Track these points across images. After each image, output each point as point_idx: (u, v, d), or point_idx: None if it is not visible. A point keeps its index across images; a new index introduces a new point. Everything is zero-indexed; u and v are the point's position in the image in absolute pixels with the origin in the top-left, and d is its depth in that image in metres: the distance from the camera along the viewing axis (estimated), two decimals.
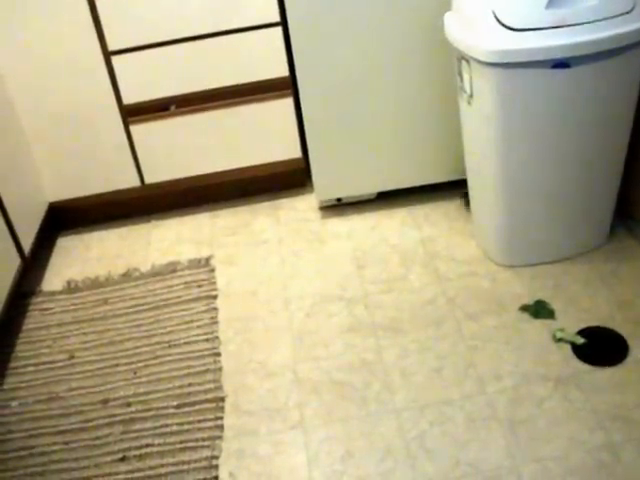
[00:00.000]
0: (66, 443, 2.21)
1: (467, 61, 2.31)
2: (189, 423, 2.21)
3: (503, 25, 2.17)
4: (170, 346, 2.48)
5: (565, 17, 2.15)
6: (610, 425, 2.02)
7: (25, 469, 2.15)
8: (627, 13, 2.17)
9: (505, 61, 2.18)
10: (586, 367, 2.21)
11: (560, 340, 2.30)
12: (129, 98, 2.89)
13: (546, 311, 2.41)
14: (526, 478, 1.92)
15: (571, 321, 2.36)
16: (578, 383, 2.16)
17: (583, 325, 2.34)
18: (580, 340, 2.28)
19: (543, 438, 2.01)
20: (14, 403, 2.38)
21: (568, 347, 2.27)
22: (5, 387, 2.44)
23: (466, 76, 2.36)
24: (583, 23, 2.15)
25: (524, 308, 2.43)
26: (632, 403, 2.08)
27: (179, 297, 2.69)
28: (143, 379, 2.38)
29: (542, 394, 2.14)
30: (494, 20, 2.18)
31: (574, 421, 2.05)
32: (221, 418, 2.21)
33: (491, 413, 2.10)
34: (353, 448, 2.07)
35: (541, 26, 2.15)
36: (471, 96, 2.38)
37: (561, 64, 2.18)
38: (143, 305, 2.68)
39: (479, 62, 2.24)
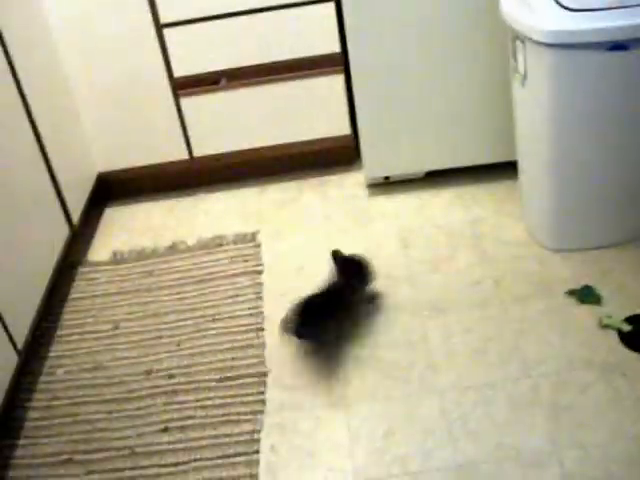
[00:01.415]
0: (109, 412, 2.23)
1: (522, 41, 2.28)
2: (231, 397, 2.22)
3: (560, 5, 2.15)
4: (214, 320, 2.50)
5: None
6: None
7: (69, 436, 2.18)
8: None
9: (561, 42, 2.15)
10: (632, 355, 2.18)
11: (607, 326, 2.27)
12: (180, 71, 2.89)
13: (593, 297, 2.38)
14: (567, 464, 1.90)
15: (618, 308, 2.33)
16: (623, 371, 2.13)
17: (630, 312, 2.30)
18: (627, 327, 2.25)
19: (586, 425, 1.99)
20: (60, 371, 2.41)
21: (614, 334, 2.25)
22: (51, 354, 2.47)
23: (520, 57, 2.33)
24: None
25: (571, 293, 2.41)
26: None
27: (224, 271, 2.70)
28: (186, 352, 2.39)
29: (587, 380, 2.12)
30: (551, 0, 2.15)
31: (618, 409, 2.03)
32: (263, 393, 2.22)
33: (534, 397, 2.09)
34: (395, 427, 2.06)
35: (599, 7, 2.12)
36: (525, 77, 2.35)
37: (618, 46, 2.14)
38: (188, 278, 2.69)
39: (535, 42, 2.21)
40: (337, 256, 2.46)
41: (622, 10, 2.11)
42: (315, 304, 2.30)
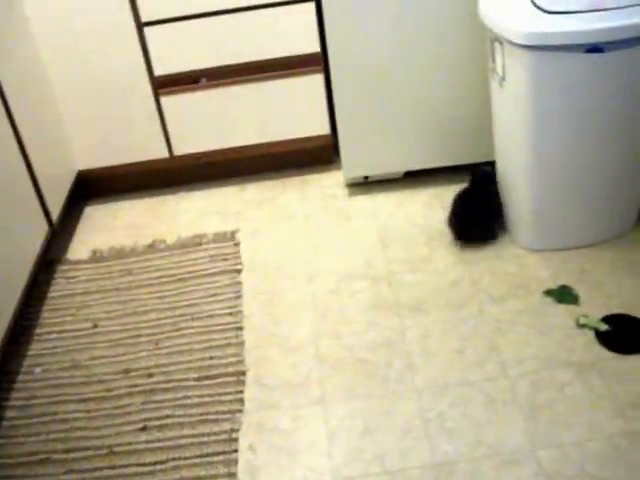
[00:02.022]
0: (88, 411, 2.23)
1: (500, 43, 2.29)
2: (210, 396, 2.22)
3: (538, 7, 2.16)
4: (193, 319, 2.50)
5: (600, 1, 2.13)
6: (631, 413, 2.01)
7: (47, 435, 2.18)
8: None
9: (539, 44, 2.17)
10: (609, 354, 2.20)
11: (583, 326, 2.29)
12: (160, 69, 2.89)
13: (570, 296, 2.40)
14: (544, 462, 1.92)
15: (595, 307, 2.35)
16: (600, 370, 2.15)
17: (607, 312, 2.32)
18: (604, 327, 2.27)
19: (563, 423, 2.01)
20: (38, 369, 2.40)
21: (591, 333, 2.26)
22: (29, 353, 2.46)
23: (499, 58, 2.35)
24: (618, 8, 2.13)
25: (548, 292, 2.42)
26: None
27: (204, 270, 2.70)
28: (165, 350, 2.39)
29: (563, 379, 2.13)
30: (529, 2, 2.17)
31: (594, 408, 2.04)
32: (242, 392, 2.22)
33: (512, 396, 2.10)
34: (373, 425, 2.07)
35: (576, 9, 2.14)
36: (503, 79, 2.36)
37: (595, 49, 2.16)
38: (167, 277, 2.69)
39: (512, 44, 2.22)
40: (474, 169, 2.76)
41: (598, 13, 2.13)
42: (472, 209, 2.67)
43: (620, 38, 2.14)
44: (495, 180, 2.70)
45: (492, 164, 2.72)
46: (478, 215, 2.67)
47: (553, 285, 2.45)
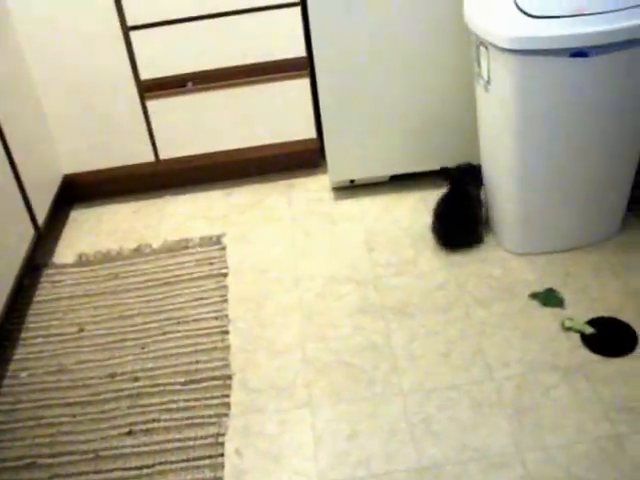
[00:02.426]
0: (74, 415, 2.22)
1: (485, 47, 2.30)
2: (196, 400, 2.22)
3: (523, 12, 2.17)
4: (179, 323, 2.49)
5: (584, 6, 2.14)
6: (616, 416, 2.02)
7: (33, 439, 2.17)
8: None
9: (524, 48, 2.18)
10: (594, 357, 2.21)
11: (569, 329, 2.30)
12: (146, 74, 2.89)
13: (555, 299, 2.41)
14: (530, 465, 1.92)
15: (580, 310, 2.36)
16: (586, 373, 2.16)
17: (592, 315, 2.34)
18: (589, 330, 2.28)
19: (549, 426, 2.02)
20: (23, 374, 2.39)
21: (577, 336, 2.27)
22: (15, 357, 2.46)
23: (484, 62, 2.36)
24: (603, 12, 2.14)
25: (534, 296, 2.43)
26: (639, 394, 2.08)
27: (190, 274, 2.70)
28: (151, 354, 2.39)
29: (549, 382, 2.14)
30: (514, 7, 2.18)
31: (580, 411, 2.05)
32: (228, 396, 2.22)
33: (498, 399, 2.11)
34: (359, 429, 2.08)
35: (560, 14, 2.15)
36: (488, 83, 2.37)
37: (579, 53, 2.17)
38: (153, 281, 2.69)
39: (498, 48, 2.23)
40: (450, 170, 2.72)
41: (583, 17, 2.14)
42: (454, 213, 2.67)
43: (605, 42, 2.15)
44: (474, 176, 2.70)
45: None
46: (461, 219, 2.68)
47: (538, 288, 2.45)
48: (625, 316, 2.32)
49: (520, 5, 2.17)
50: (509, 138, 2.39)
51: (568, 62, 2.19)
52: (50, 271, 2.81)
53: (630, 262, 2.53)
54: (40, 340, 2.51)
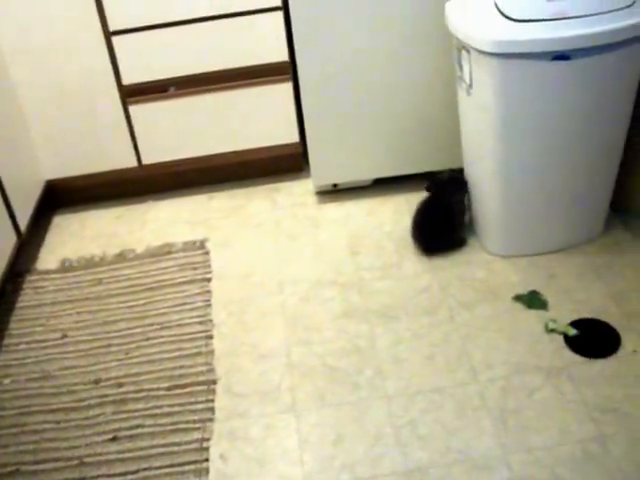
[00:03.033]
0: (57, 422, 2.21)
1: (467, 51, 2.31)
2: (180, 405, 2.21)
3: (504, 16, 2.18)
4: (163, 328, 2.49)
5: (566, 9, 2.15)
6: (600, 417, 2.03)
7: (16, 446, 2.16)
8: (628, 7, 2.18)
9: (505, 51, 2.18)
10: (578, 358, 2.22)
11: (552, 331, 2.31)
12: (129, 79, 2.88)
13: (539, 301, 2.42)
14: (515, 467, 1.93)
15: (564, 312, 2.37)
16: (569, 374, 2.16)
17: (576, 316, 2.35)
18: (572, 331, 2.29)
19: (533, 428, 2.02)
20: (6, 380, 2.38)
21: (560, 338, 2.28)
22: None
23: (466, 66, 2.36)
24: (584, 16, 2.15)
25: (517, 298, 2.44)
26: (622, 395, 2.09)
27: (173, 279, 2.69)
28: (135, 360, 2.38)
29: (533, 384, 2.15)
30: (495, 10, 2.18)
31: (564, 412, 2.06)
32: (212, 400, 2.22)
33: (482, 402, 2.11)
34: (344, 433, 2.07)
35: (542, 17, 2.16)
36: (470, 86, 2.38)
37: (561, 56, 2.18)
38: (137, 286, 2.68)
39: (479, 52, 2.24)
40: (433, 178, 2.73)
41: (564, 21, 2.15)
42: (432, 219, 2.69)
43: (586, 46, 2.16)
44: (458, 186, 2.69)
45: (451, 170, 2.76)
46: (439, 225, 2.69)
47: (522, 290, 2.46)
48: (608, 317, 2.33)
49: (501, 9, 2.18)
50: (491, 141, 2.40)
51: (550, 65, 2.20)
52: (33, 277, 2.80)
53: (613, 264, 2.54)
54: (23, 347, 2.50)
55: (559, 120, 2.33)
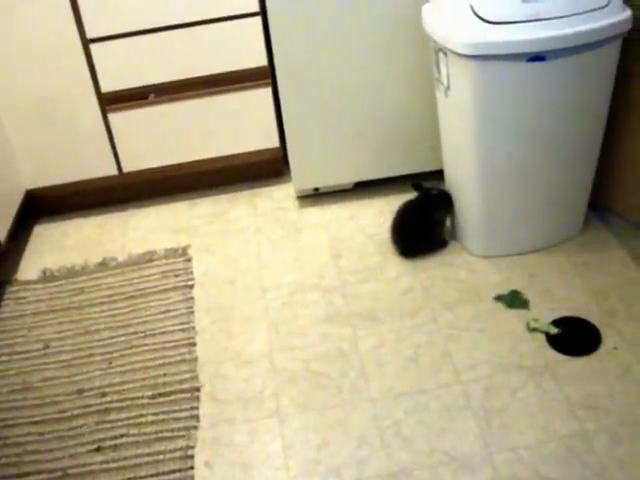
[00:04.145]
0: (41, 434, 2.20)
1: (444, 53, 2.32)
2: (164, 413, 2.21)
3: (480, 18, 2.18)
4: (146, 336, 2.48)
5: (541, 11, 2.16)
6: (583, 414, 2.04)
7: None
8: (602, 8, 2.19)
9: (481, 53, 2.19)
10: (560, 357, 2.23)
11: (534, 330, 2.31)
12: (107, 86, 2.88)
13: (520, 301, 2.43)
14: (500, 466, 1.93)
15: (545, 311, 2.38)
16: (552, 373, 2.17)
17: (557, 315, 2.36)
18: (554, 330, 2.30)
19: (517, 427, 2.03)
20: None
21: (542, 337, 2.29)
22: None
23: (443, 68, 2.37)
24: (559, 17, 2.17)
25: (499, 298, 2.45)
26: (604, 392, 2.10)
27: (155, 287, 2.69)
28: (118, 369, 2.38)
29: (516, 383, 2.15)
30: (471, 12, 2.19)
31: (547, 410, 2.07)
32: (197, 408, 2.21)
33: (466, 402, 2.12)
34: (329, 437, 2.08)
35: (517, 19, 2.17)
36: (448, 88, 2.39)
37: (537, 57, 2.19)
38: (119, 295, 2.68)
39: (456, 54, 2.25)
40: (420, 188, 2.75)
41: (539, 22, 2.16)
42: (411, 223, 2.70)
43: (562, 46, 2.17)
44: (445, 201, 2.71)
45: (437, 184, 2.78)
46: (420, 228, 2.70)
47: (503, 290, 2.47)
48: (589, 315, 2.35)
49: (477, 11, 2.18)
50: (470, 142, 2.40)
51: (526, 66, 2.21)
52: (14, 288, 2.78)
53: (593, 262, 2.55)
54: (5, 358, 2.48)
55: (536, 120, 2.34)
